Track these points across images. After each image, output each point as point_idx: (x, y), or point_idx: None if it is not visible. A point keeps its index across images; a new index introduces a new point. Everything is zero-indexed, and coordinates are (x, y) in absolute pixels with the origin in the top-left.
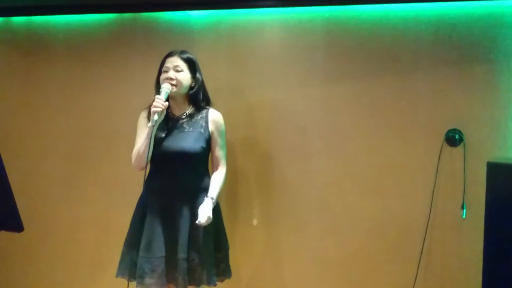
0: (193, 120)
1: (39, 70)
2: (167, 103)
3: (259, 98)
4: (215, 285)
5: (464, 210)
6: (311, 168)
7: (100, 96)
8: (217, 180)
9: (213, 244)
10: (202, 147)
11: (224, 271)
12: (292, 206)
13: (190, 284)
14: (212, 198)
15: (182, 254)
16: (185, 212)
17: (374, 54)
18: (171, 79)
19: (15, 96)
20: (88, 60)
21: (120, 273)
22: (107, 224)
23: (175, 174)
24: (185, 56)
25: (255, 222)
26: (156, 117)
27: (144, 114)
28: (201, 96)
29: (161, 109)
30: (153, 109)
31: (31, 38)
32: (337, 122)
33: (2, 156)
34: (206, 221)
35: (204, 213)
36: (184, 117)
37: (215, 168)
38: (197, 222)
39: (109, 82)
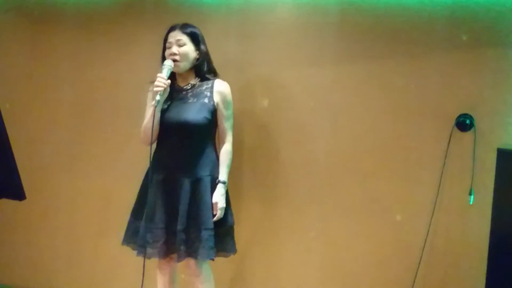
0: (198, 91)
1: (47, 40)
2: (169, 81)
3: (268, 75)
4: (212, 259)
5: (472, 196)
6: (318, 148)
7: (107, 68)
8: (225, 160)
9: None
10: (206, 118)
11: (227, 246)
12: (297, 185)
13: (188, 256)
14: (224, 183)
15: (180, 226)
16: (186, 184)
17: (387, 35)
18: (175, 54)
19: (22, 65)
20: (96, 32)
21: (125, 241)
22: (110, 196)
23: (177, 146)
24: (187, 29)
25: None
26: (158, 97)
27: (151, 88)
28: (205, 67)
29: (162, 89)
30: (155, 89)
31: (39, 7)
32: (346, 103)
33: (7, 125)
34: (220, 213)
35: (218, 206)
36: (188, 88)
37: (221, 142)
38: (214, 219)
39: (117, 54)
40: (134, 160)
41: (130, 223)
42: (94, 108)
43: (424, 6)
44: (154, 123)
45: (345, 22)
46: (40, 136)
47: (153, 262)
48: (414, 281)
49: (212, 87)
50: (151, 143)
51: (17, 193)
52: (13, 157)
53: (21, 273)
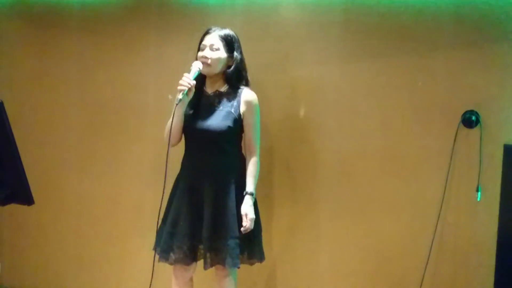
0: (226, 99)
1: (54, 43)
2: (194, 82)
3: (274, 75)
4: (238, 267)
5: (479, 193)
6: (325, 147)
7: (113, 70)
8: (252, 171)
9: (239, 226)
10: (229, 127)
11: (254, 254)
12: (305, 185)
13: (215, 263)
14: (251, 194)
15: (206, 234)
16: (210, 192)
17: (392, 33)
18: (206, 58)
19: (29, 69)
20: (102, 34)
21: (155, 245)
22: (119, 197)
23: (201, 153)
24: (222, 33)
25: (170, 96)
26: (180, 96)
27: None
28: (236, 75)
29: (186, 88)
30: (178, 87)
31: (46, 11)
32: (352, 102)
33: (15, 129)
34: (251, 224)
35: (248, 217)
36: (216, 95)
37: (247, 152)
38: (242, 230)
39: (123, 56)
40: (143, 161)
41: (159, 228)
42: (101, 110)
43: (429, 3)
44: (175, 122)
45: (350, 21)
46: (48, 139)
47: (165, 266)
48: (423, 279)
49: (239, 96)
50: (176, 143)
51: (26, 198)
52: (21, 163)
53: (31, 276)
